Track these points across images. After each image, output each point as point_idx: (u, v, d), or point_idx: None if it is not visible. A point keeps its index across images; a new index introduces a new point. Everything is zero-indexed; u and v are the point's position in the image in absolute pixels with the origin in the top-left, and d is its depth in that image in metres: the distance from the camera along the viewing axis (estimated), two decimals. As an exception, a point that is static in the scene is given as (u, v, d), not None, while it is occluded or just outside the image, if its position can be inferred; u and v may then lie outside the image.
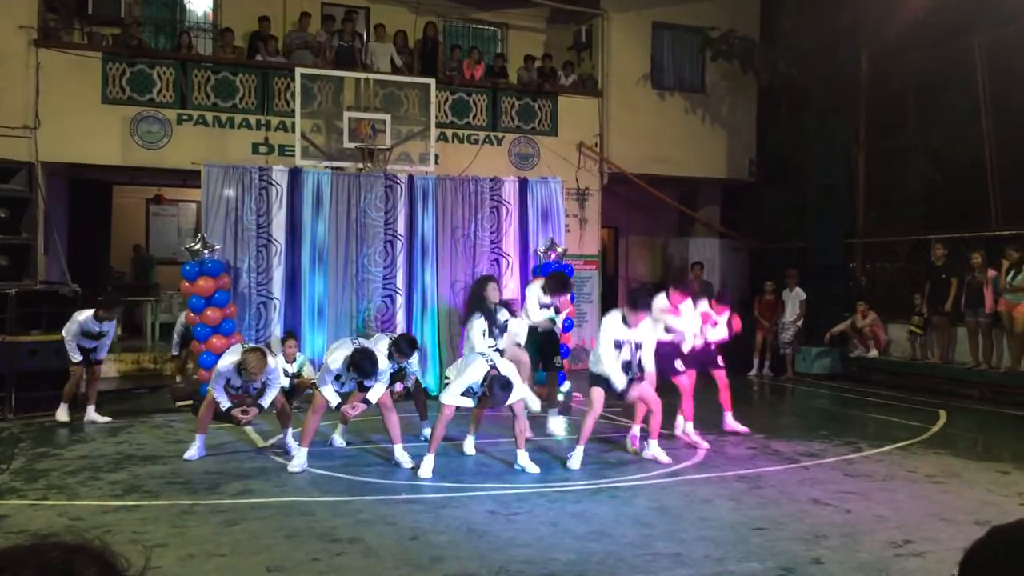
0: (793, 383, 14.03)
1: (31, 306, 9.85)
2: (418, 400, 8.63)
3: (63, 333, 9.51)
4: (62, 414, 9.42)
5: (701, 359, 8.98)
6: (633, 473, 7.37)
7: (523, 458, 7.38)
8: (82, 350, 9.42)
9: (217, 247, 10.65)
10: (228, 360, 7.59)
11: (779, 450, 8.36)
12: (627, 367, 7.55)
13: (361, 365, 7.09)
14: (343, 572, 4.84)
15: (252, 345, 8.29)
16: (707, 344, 8.98)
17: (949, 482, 7.08)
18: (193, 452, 7.65)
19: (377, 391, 7.31)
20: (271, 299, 11.03)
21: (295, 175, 11.33)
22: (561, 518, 5.94)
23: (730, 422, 9.20)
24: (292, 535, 5.47)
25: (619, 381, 7.52)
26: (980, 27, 13.21)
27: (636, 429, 8.19)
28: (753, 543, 5.40)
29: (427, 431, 8.09)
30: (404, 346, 7.81)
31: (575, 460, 7.48)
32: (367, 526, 5.69)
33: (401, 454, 7.43)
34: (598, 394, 7.60)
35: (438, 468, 7.42)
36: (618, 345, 7.54)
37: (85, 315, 9.50)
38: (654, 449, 7.78)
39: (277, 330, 10.89)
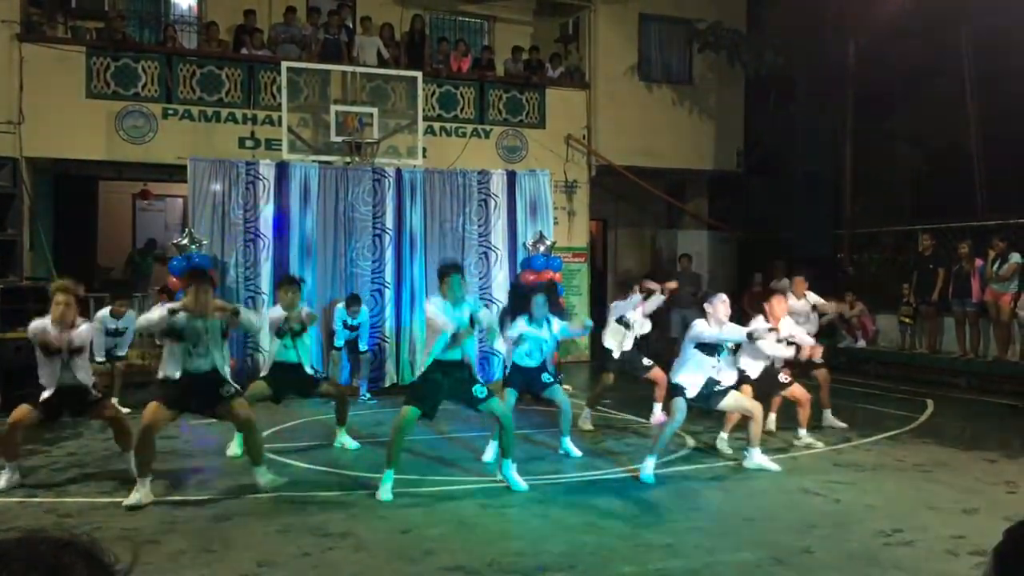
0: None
1: (17, 302, 9.80)
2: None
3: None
4: None
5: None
6: (624, 465, 7.38)
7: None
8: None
9: (205, 242, 10.61)
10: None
11: (768, 440, 8.38)
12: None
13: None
14: (335, 567, 4.83)
15: None
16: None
17: (937, 471, 7.12)
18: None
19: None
20: (259, 294, 10.99)
21: (282, 169, 11.29)
22: (552, 510, 5.94)
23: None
24: (283, 530, 5.45)
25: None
26: (967, 16, 13.25)
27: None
28: (744, 533, 5.42)
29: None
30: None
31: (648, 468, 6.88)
32: (358, 520, 5.68)
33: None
34: (678, 404, 6.89)
35: (428, 463, 7.42)
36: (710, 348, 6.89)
37: (102, 313, 9.52)
38: (758, 457, 7.21)
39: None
